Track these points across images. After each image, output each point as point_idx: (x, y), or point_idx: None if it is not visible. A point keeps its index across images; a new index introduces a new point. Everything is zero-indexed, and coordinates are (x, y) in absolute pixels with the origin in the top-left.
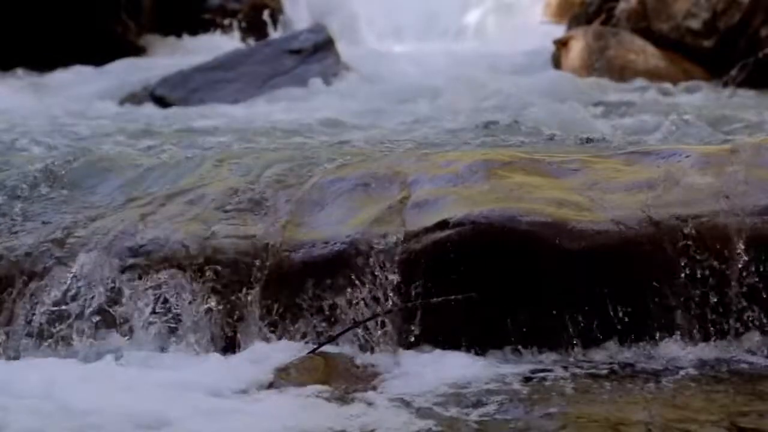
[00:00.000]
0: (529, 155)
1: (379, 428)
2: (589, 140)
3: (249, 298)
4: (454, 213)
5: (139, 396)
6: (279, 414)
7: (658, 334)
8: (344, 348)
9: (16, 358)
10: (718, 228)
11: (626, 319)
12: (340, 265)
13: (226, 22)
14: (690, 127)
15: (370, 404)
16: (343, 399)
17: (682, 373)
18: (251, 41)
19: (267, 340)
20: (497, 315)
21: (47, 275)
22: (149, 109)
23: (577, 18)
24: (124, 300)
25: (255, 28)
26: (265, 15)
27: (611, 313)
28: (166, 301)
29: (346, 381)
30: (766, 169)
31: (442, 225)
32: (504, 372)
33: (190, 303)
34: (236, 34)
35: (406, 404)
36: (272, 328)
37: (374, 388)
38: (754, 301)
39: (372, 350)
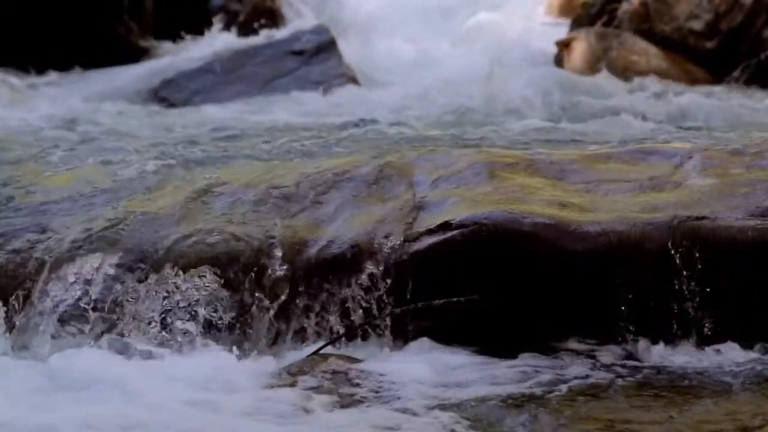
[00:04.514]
0: (531, 156)
1: (381, 428)
2: (591, 141)
3: (254, 298)
4: (456, 214)
5: (138, 389)
6: (278, 414)
7: (660, 336)
8: (347, 349)
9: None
10: (721, 229)
11: (629, 321)
12: (343, 266)
13: (228, 23)
14: (692, 128)
15: (372, 404)
16: (345, 400)
17: (685, 376)
18: (253, 42)
19: (273, 339)
20: (499, 316)
21: (64, 273)
22: (152, 110)
23: (580, 19)
24: (139, 297)
25: (257, 29)
26: (267, 16)
27: (614, 315)
28: (175, 298)
29: (348, 381)
30: None
31: (445, 226)
32: (506, 373)
33: (197, 301)
34: (238, 36)
35: (409, 404)
36: (277, 328)
37: (376, 389)
38: (757, 302)
39: (374, 351)
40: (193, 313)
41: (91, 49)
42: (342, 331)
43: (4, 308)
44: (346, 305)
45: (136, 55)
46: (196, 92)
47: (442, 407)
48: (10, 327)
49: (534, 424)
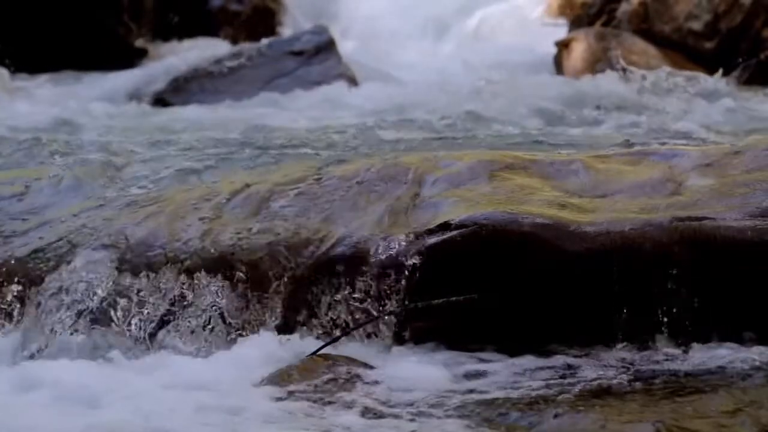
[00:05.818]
0: (530, 157)
1: (385, 429)
2: (590, 142)
3: (257, 299)
4: (456, 215)
5: (140, 391)
6: (275, 416)
7: (661, 335)
8: (346, 349)
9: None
10: (720, 229)
11: (627, 321)
12: (343, 266)
13: (228, 23)
14: (691, 129)
15: (372, 405)
16: (346, 400)
17: (683, 376)
18: (252, 43)
19: (274, 339)
20: (500, 317)
21: (65, 277)
22: (151, 110)
23: (579, 19)
24: (142, 301)
25: (256, 30)
26: (267, 16)
27: (614, 315)
28: (179, 301)
29: (348, 382)
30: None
31: (445, 227)
32: (509, 373)
33: (201, 304)
34: (237, 36)
35: (409, 405)
36: (278, 329)
37: (376, 389)
38: (758, 301)
39: (374, 351)
40: (196, 316)
41: (90, 49)
42: (341, 331)
43: (5, 312)
44: (347, 305)
45: (135, 55)
46: (195, 93)
47: (446, 409)
48: (14, 332)
49: (543, 427)
